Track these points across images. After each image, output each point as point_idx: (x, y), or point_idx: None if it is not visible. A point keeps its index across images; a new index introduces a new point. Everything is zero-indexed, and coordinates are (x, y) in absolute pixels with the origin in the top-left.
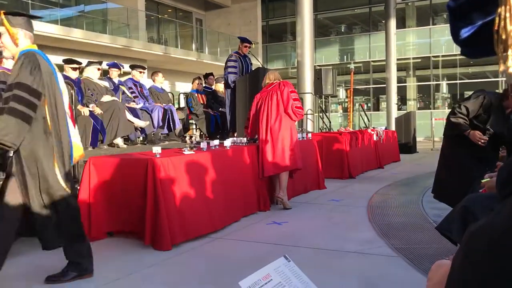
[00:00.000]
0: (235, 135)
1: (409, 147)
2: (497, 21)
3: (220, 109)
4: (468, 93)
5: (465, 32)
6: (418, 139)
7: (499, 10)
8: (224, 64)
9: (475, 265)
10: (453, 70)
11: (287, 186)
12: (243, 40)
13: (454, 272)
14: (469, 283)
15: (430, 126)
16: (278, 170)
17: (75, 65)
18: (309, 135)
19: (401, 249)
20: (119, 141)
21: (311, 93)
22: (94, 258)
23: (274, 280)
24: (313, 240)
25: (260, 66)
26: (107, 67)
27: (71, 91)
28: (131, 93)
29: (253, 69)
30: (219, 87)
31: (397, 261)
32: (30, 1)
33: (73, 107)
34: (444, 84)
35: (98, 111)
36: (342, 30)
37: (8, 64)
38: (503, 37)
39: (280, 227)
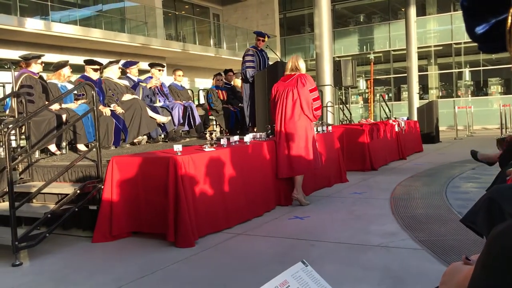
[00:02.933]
0: (255, 130)
1: (432, 137)
2: (509, 20)
3: (240, 104)
4: (491, 80)
5: (479, 30)
6: (441, 128)
7: (511, 10)
8: (241, 59)
9: (498, 268)
10: (476, 56)
11: (308, 181)
12: (258, 34)
13: (477, 274)
14: (492, 287)
15: (453, 115)
16: (292, 174)
17: (96, 66)
18: (330, 128)
19: (426, 241)
20: (141, 139)
21: (331, 85)
22: (116, 257)
23: (292, 286)
24: (336, 234)
25: (278, 60)
26: (123, 67)
27: (92, 92)
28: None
29: (270, 63)
30: (238, 82)
31: (422, 254)
32: (49, 3)
33: (95, 108)
34: (466, 72)
35: (119, 110)
36: (361, 20)
37: (37, 68)
38: None
39: (302, 221)
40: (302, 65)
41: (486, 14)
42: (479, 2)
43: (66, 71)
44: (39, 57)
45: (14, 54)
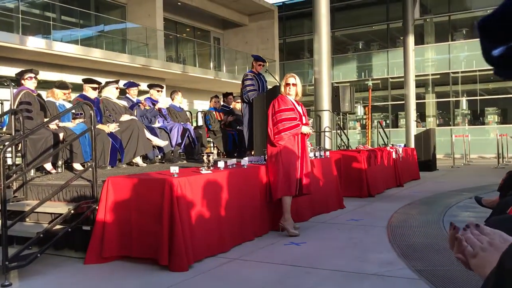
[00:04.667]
0: (253, 153)
1: (429, 164)
2: None
3: (238, 127)
4: (488, 110)
5: (496, 52)
6: (438, 156)
7: None
8: (240, 83)
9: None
10: (473, 86)
11: (305, 206)
12: (257, 58)
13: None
14: None
15: (450, 143)
16: (271, 198)
17: (95, 85)
18: (327, 153)
19: (423, 271)
20: (138, 160)
21: (329, 110)
22: (108, 279)
23: None
24: (332, 261)
25: (278, 84)
26: (124, 87)
27: (90, 111)
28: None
29: (268, 86)
30: (237, 105)
31: (419, 284)
32: (51, 22)
33: (93, 127)
34: (464, 101)
35: (115, 127)
36: (360, 47)
37: (31, 84)
38: None
39: (298, 247)
40: (283, 84)
41: (505, 36)
42: (497, 24)
43: (64, 96)
44: (26, 72)
45: (14, 71)
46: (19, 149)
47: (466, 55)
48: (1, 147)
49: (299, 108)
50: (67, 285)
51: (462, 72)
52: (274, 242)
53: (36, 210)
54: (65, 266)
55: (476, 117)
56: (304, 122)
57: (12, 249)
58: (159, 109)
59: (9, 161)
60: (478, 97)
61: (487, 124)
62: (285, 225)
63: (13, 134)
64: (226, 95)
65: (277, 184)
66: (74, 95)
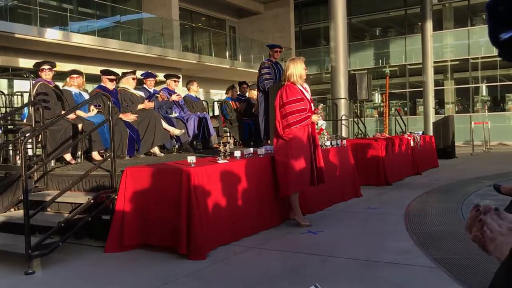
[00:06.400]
0: (269, 142)
1: (447, 152)
2: None
3: (254, 110)
4: (509, 96)
5: (505, 35)
6: (457, 143)
7: None
8: (257, 71)
9: None
10: (493, 72)
11: (322, 195)
12: (272, 46)
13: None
14: None
15: (470, 130)
16: (278, 194)
17: (112, 76)
18: (344, 141)
19: (441, 260)
20: (155, 149)
21: (346, 98)
22: (128, 268)
23: None
24: (349, 249)
25: None
26: (141, 77)
27: (108, 102)
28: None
29: None
30: (253, 94)
31: (437, 273)
32: (68, 14)
33: (111, 118)
34: (483, 87)
35: (134, 119)
36: (377, 34)
37: (46, 75)
38: None
39: (315, 236)
40: (291, 70)
41: None
42: (508, 7)
43: (73, 80)
44: (42, 64)
45: (33, 64)
46: (39, 140)
47: (486, 40)
48: (22, 138)
49: (307, 95)
50: (88, 273)
51: (482, 57)
52: (291, 231)
53: (56, 200)
54: (86, 254)
55: (497, 104)
56: (313, 109)
57: (34, 238)
58: (174, 101)
59: (30, 152)
60: (499, 83)
61: (508, 110)
62: (296, 219)
63: (33, 126)
64: (240, 84)
65: (287, 179)
66: (90, 86)
